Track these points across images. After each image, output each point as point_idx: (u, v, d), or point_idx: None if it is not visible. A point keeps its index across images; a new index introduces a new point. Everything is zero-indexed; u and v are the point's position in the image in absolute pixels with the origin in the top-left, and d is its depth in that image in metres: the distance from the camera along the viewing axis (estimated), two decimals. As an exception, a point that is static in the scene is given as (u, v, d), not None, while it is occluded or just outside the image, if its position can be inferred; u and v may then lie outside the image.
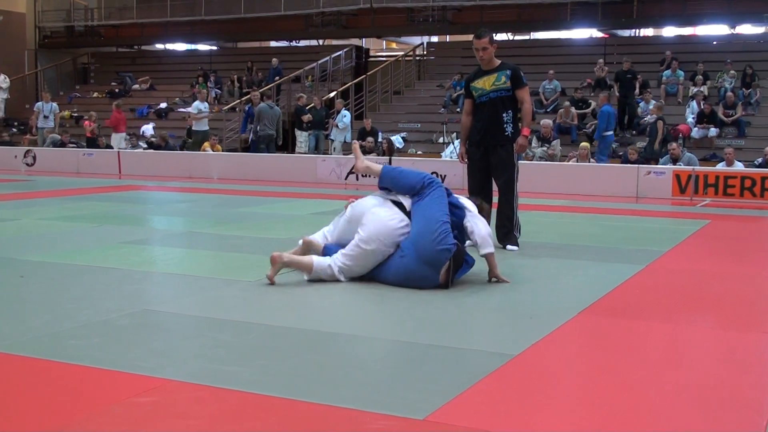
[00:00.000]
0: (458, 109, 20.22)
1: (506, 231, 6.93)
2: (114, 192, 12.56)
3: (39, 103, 20.54)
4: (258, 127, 17.36)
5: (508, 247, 6.85)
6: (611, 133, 16.25)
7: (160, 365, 3.49)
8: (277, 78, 19.65)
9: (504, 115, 6.89)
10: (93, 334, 4.00)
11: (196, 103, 18.13)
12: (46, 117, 19.81)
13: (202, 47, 28.25)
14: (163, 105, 23.63)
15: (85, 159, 17.46)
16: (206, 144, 17.69)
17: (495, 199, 7.09)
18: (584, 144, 15.46)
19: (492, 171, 7.05)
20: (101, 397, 3.12)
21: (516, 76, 6.89)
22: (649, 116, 17.01)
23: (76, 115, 24.18)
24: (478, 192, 6.93)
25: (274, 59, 23.07)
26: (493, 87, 6.85)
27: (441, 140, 18.65)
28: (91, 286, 5.19)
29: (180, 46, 28.69)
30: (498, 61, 6.94)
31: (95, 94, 25.80)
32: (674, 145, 14.29)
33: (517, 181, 7.04)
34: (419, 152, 18.41)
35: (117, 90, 25.46)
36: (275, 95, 21.46)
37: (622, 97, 18.07)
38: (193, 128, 18.06)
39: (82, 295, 4.93)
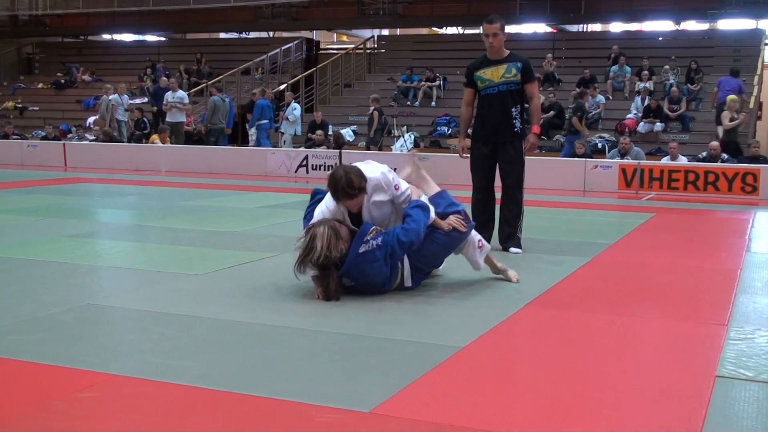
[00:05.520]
0: (408, 102, 20.29)
1: (510, 232, 6.57)
2: (59, 185, 12.34)
3: None
4: (211, 120, 17.24)
5: (512, 249, 6.50)
6: (266, 121, 17.45)
7: (104, 360, 3.45)
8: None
9: (513, 109, 6.47)
10: (36, 329, 3.93)
11: (179, 93, 17.73)
12: None
13: (150, 38, 27.85)
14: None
15: (30, 151, 17.13)
16: (155, 136, 17.43)
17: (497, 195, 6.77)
18: None
19: (500, 169, 6.63)
20: (43, 392, 3.08)
21: (527, 70, 6.47)
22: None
23: (20, 106, 23.70)
24: (485, 189, 6.63)
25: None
26: (503, 79, 6.41)
27: (392, 133, 18.66)
28: (34, 280, 5.10)
29: (128, 37, 28.24)
30: (507, 51, 6.49)
31: (40, 85, 25.30)
32: (627, 139, 14.43)
33: (524, 178, 6.66)
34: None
35: (63, 81, 24.98)
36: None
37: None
38: (168, 119, 17.67)
39: (24, 289, 4.85)
